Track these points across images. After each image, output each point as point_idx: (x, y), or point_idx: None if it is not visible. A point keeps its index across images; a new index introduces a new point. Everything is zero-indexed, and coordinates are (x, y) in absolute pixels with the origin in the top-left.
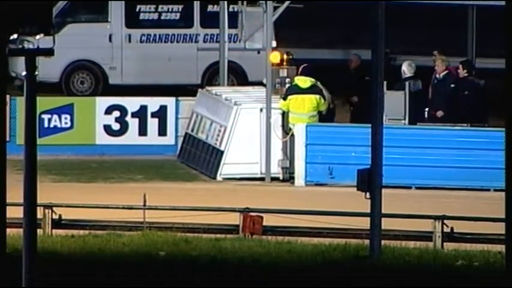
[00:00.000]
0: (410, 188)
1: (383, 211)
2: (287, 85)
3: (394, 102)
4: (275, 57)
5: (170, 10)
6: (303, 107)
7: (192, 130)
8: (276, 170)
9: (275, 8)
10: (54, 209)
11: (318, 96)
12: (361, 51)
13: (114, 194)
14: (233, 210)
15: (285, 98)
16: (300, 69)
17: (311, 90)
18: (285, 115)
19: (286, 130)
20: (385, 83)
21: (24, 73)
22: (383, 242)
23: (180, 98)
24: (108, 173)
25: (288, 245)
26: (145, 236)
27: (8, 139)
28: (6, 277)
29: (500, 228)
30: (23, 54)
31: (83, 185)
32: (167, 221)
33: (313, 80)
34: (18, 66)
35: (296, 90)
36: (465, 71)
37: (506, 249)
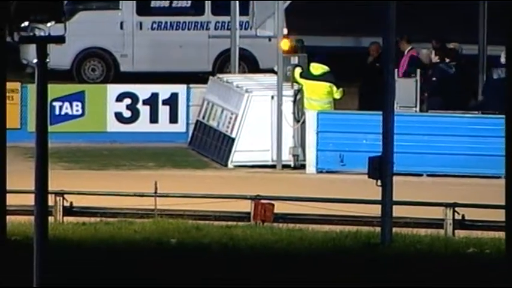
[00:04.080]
0: (421, 175)
1: (394, 198)
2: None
3: (405, 89)
4: (286, 44)
5: None
6: (315, 93)
7: (203, 117)
8: (287, 157)
9: None
10: (65, 196)
11: (329, 84)
12: (372, 39)
13: (125, 181)
14: (244, 197)
15: (301, 76)
16: (316, 57)
17: (322, 77)
18: (296, 102)
19: (297, 117)
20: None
21: (35, 60)
22: (394, 229)
23: (191, 86)
24: (119, 160)
25: (299, 233)
26: (157, 223)
27: (19, 126)
28: (15, 264)
29: None
30: (34, 41)
31: (94, 173)
32: (178, 208)
33: (325, 67)
34: (30, 53)
35: (308, 76)
36: (437, 57)
37: (506, 237)
